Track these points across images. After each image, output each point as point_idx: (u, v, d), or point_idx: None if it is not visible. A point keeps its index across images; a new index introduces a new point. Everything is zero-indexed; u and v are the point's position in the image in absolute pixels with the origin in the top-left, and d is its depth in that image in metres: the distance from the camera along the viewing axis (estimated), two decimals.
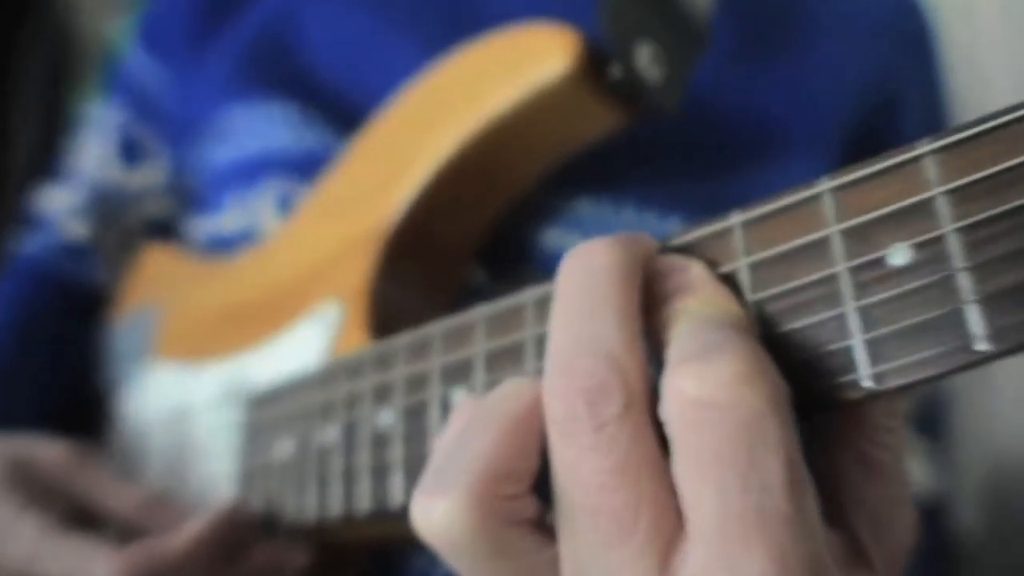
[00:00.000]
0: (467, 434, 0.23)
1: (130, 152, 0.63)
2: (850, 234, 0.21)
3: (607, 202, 0.44)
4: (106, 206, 0.62)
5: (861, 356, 0.21)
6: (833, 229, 0.21)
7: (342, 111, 0.50)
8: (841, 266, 0.21)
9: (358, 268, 0.42)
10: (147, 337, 0.56)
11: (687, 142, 0.46)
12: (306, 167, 0.50)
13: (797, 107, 0.49)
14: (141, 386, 0.55)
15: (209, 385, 0.48)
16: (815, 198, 0.22)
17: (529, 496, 0.22)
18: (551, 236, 0.44)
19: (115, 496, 0.42)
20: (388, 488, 0.32)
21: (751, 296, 0.23)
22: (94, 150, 0.63)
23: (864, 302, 0.21)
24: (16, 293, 0.60)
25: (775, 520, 0.18)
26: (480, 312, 0.29)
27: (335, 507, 0.35)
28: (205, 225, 0.57)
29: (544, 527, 0.22)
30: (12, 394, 0.57)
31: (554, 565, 0.22)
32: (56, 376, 0.59)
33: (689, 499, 0.19)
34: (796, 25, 0.51)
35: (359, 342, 0.39)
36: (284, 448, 0.39)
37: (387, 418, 0.32)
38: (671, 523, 0.20)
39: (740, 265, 0.23)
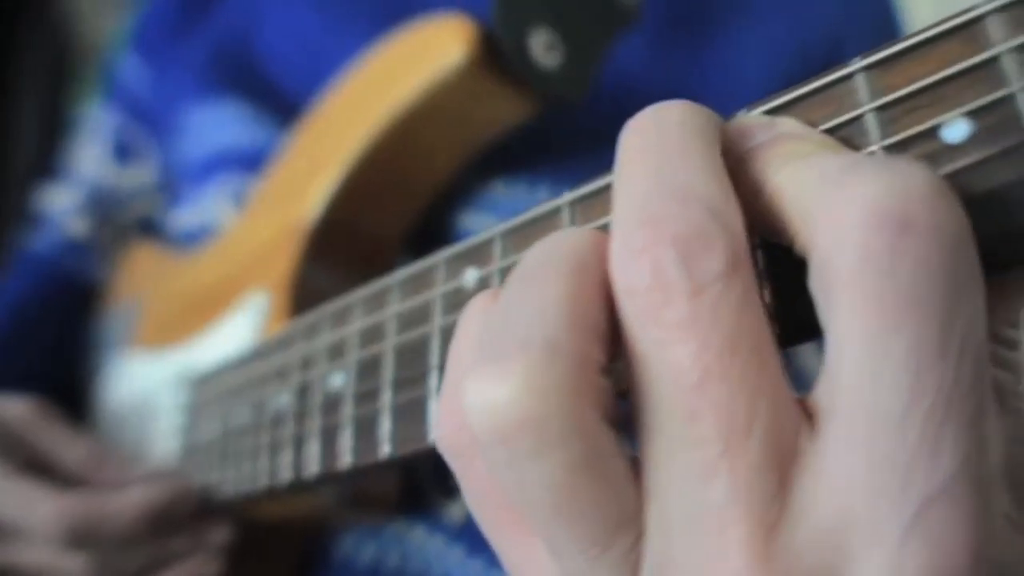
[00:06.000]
0: (524, 289, 0.17)
1: (123, 154, 0.66)
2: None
3: (522, 184, 0.44)
4: (103, 205, 0.66)
5: None
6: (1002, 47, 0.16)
7: (293, 110, 0.52)
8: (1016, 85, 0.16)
9: (283, 260, 0.44)
10: (129, 327, 0.59)
11: (607, 125, 0.46)
12: (258, 163, 0.52)
13: (732, 86, 0.49)
14: (118, 373, 0.58)
15: (165, 370, 0.51)
16: (977, 20, 0.17)
17: (611, 387, 0.17)
18: (468, 219, 0.45)
19: (65, 447, 0.44)
20: (337, 448, 0.31)
21: (881, 144, 0.18)
22: (91, 152, 0.67)
23: None
24: (23, 287, 0.64)
25: (978, 407, 0.13)
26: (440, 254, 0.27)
27: (285, 473, 0.35)
28: (173, 219, 0.60)
29: (630, 458, 0.17)
30: (14, 384, 0.60)
31: (640, 510, 0.16)
32: (56, 366, 0.62)
33: (849, 375, 0.14)
34: (730, 2, 0.50)
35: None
36: (215, 427, 0.42)
37: (338, 380, 0.32)
38: (794, 423, 0.15)
39: (864, 110, 0.18)
